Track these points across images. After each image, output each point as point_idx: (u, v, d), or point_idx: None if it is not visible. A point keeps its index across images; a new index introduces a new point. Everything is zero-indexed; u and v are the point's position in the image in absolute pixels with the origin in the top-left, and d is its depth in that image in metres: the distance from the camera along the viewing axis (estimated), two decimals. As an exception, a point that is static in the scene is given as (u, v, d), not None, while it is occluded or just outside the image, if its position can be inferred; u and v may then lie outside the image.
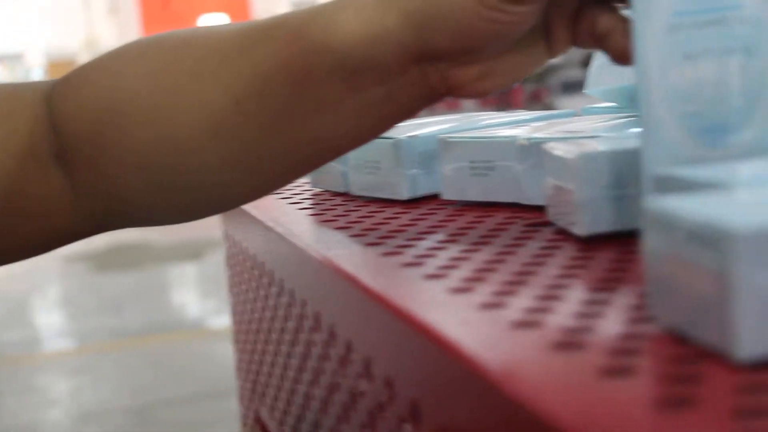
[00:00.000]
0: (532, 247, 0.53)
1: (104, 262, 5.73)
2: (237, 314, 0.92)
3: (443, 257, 0.53)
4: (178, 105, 0.54)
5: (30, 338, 4.14)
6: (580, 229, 0.53)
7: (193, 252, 5.69)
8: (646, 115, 0.48)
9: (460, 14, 0.51)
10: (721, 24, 0.46)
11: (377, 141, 0.72)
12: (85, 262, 5.77)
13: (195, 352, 3.68)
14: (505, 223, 0.61)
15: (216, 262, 5.23)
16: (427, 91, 0.55)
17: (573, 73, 7.77)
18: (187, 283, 5.15)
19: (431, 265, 0.51)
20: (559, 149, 0.55)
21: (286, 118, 0.54)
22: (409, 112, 0.56)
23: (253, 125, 0.54)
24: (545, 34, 0.55)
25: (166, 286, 5.09)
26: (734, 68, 0.47)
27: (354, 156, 0.75)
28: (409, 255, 0.54)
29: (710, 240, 0.33)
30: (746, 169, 0.42)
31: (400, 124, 0.77)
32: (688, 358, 0.34)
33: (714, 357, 0.34)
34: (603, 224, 0.52)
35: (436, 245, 0.56)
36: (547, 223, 0.59)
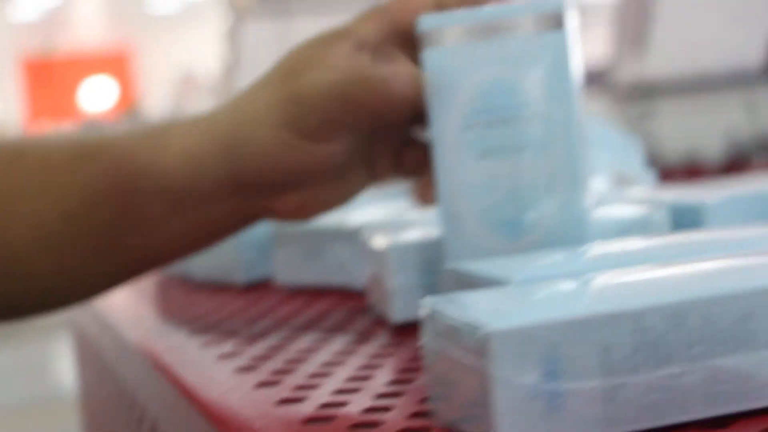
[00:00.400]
0: (349, 334, 0.55)
1: (-21, 337, 5.56)
2: (82, 395, 0.91)
3: (261, 347, 0.53)
4: (11, 214, 0.55)
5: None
6: (392, 317, 0.54)
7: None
8: (446, 209, 0.50)
9: (263, 151, 0.53)
10: (511, 123, 0.49)
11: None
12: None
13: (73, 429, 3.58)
14: (329, 309, 0.62)
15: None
16: (248, 217, 0.56)
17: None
18: (66, 356, 5.03)
19: (246, 356, 0.52)
20: (374, 239, 0.57)
21: (114, 236, 0.55)
22: (234, 232, 0.57)
23: (82, 240, 0.55)
24: (367, 162, 0.55)
25: (46, 359, 4.96)
26: (525, 164, 0.49)
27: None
28: (228, 345, 0.55)
29: (470, 339, 0.34)
30: (528, 264, 0.44)
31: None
32: (459, 452, 0.35)
33: (482, 451, 0.35)
34: (414, 313, 0.54)
35: (257, 333, 0.57)
36: (368, 309, 0.60)
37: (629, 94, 3.63)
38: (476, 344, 0.34)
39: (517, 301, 0.37)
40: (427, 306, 0.38)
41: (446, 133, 0.49)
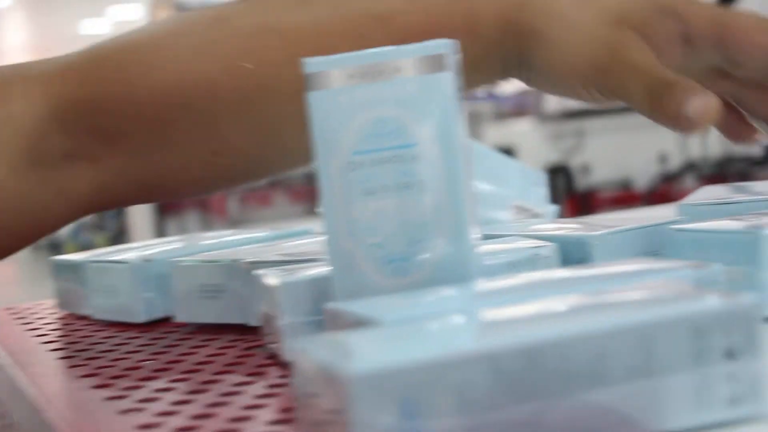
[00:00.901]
0: (240, 373, 0.55)
1: None
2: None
3: (149, 389, 0.53)
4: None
5: None
6: (284, 354, 0.55)
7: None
8: (334, 247, 0.51)
9: (560, 63, 0.60)
10: (397, 161, 0.50)
11: (114, 266, 0.72)
12: None
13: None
14: (226, 347, 0.62)
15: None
16: None
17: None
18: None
19: (133, 398, 0.52)
20: (266, 276, 0.57)
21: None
22: None
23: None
24: None
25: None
26: (410, 202, 0.50)
27: (92, 279, 0.75)
28: (118, 387, 0.54)
29: (330, 381, 0.35)
30: (402, 304, 0.44)
31: (133, 245, 0.78)
32: (326, 493, 0.36)
33: (349, 491, 0.35)
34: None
35: (149, 375, 0.57)
36: (265, 346, 0.60)
37: (557, 121, 3.68)
38: (337, 386, 0.34)
39: (380, 342, 0.38)
40: (296, 347, 0.38)
41: (332, 172, 0.50)
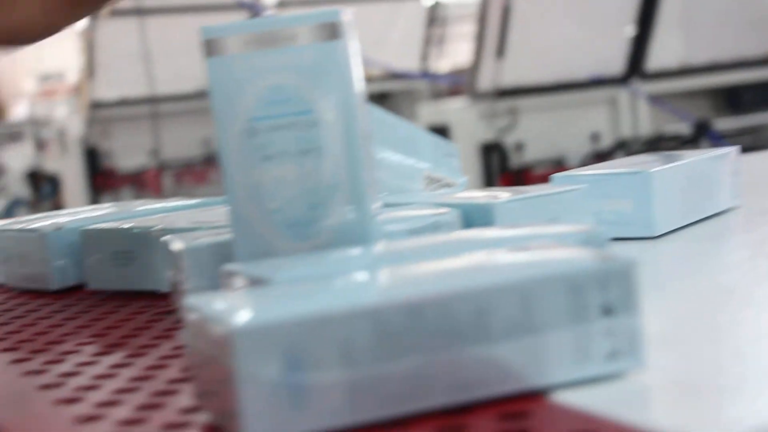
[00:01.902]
0: (146, 336, 0.56)
1: None
2: None
3: (55, 352, 0.54)
4: None
5: None
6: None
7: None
8: (235, 212, 0.51)
9: None
10: (295, 128, 0.51)
11: (24, 234, 0.72)
12: None
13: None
14: (136, 312, 0.63)
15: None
16: None
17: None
18: None
19: (37, 361, 0.52)
20: (172, 242, 0.58)
21: None
22: None
23: None
24: None
25: None
26: (309, 167, 0.51)
27: (3, 248, 0.75)
28: (25, 350, 0.55)
29: (217, 335, 0.36)
30: (294, 264, 0.46)
31: (42, 215, 0.78)
32: (214, 445, 0.37)
33: (236, 443, 0.36)
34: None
35: (56, 339, 0.57)
36: (173, 311, 0.61)
37: (491, 99, 3.71)
38: (222, 340, 0.35)
39: (269, 299, 0.39)
40: (187, 305, 0.39)
41: (231, 138, 0.51)
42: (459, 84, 4.72)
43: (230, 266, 0.47)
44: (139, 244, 0.67)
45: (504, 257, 0.42)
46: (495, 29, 3.62)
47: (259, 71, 0.50)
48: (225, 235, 0.57)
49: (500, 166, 3.91)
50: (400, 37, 5.57)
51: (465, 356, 0.37)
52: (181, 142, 5.35)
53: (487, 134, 3.85)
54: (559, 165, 3.98)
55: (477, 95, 3.73)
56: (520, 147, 3.96)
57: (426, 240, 0.51)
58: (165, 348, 0.53)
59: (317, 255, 0.48)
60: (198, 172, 5.43)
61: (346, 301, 0.36)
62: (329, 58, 0.50)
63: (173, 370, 0.48)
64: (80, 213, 0.78)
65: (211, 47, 0.51)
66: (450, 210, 0.60)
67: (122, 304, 0.66)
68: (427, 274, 0.40)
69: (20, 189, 9.27)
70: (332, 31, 0.50)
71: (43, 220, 0.75)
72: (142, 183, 5.06)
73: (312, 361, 0.36)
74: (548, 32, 3.88)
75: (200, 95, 5.24)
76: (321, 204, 0.51)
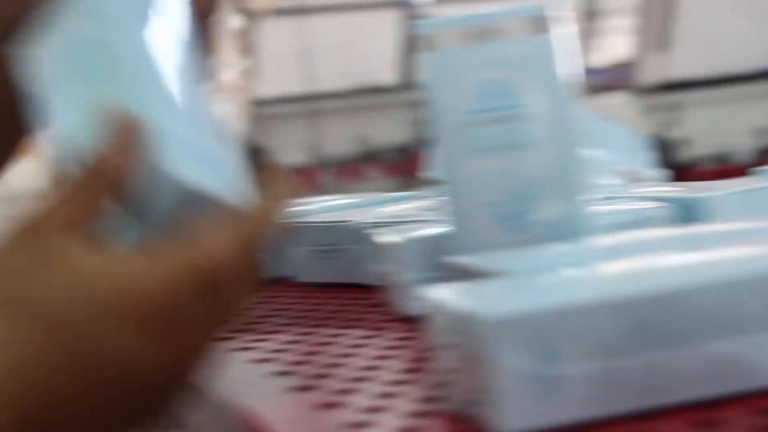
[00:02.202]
0: (363, 328, 0.57)
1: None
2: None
3: (278, 341, 0.56)
4: None
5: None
6: (403, 310, 0.56)
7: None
8: (452, 205, 0.52)
9: None
10: (512, 121, 0.51)
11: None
12: None
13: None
14: (345, 304, 0.64)
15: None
16: None
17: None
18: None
19: (264, 349, 0.54)
20: (382, 236, 0.59)
21: None
22: None
23: None
24: None
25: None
26: (525, 161, 0.51)
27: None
28: (243, 340, 0.57)
29: (469, 326, 0.36)
30: (526, 257, 0.46)
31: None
32: (462, 434, 0.37)
33: (485, 432, 0.37)
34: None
35: (275, 328, 0.59)
36: (383, 304, 0.62)
37: (654, 94, 3.63)
38: (478, 332, 0.36)
39: (515, 291, 0.39)
40: (429, 298, 0.40)
41: (447, 131, 0.51)
42: (615, 78, 4.64)
43: (455, 259, 0.48)
44: (345, 238, 0.68)
45: (744, 250, 0.41)
46: (658, 22, 3.54)
47: (474, 65, 0.51)
48: (435, 229, 0.58)
49: (663, 162, 3.83)
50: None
51: (717, 348, 0.37)
52: (338, 140, 5.43)
53: (648, 130, 3.77)
54: (724, 161, 3.87)
55: (638, 90, 3.65)
56: (683, 142, 3.86)
57: (642, 234, 0.50)
58: (386, 339, 0.54)
59: (537, 248, 0.48)
60: (355, 169, 5.50)
61: (598, 293, 0.36)
62: (538, 52, 0.50)
63: (397, 362, 0.49)
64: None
65: (426, 42, 0.51)
66: (661, 204, 0.59)
67: (331, 296, 0.67)
68: (673, 266, 0.40)
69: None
70: (540, 25, 0.50)
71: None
72: (301, 180, 5.16)
73: (564, 351, 0.36)
74: (713, 23, 3.77)
75: (357, 93, 5.30)
76: (533, 198, 0.51)
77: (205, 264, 0.39)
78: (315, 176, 5.27)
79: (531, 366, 0.35)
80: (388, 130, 5.71)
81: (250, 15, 4.42)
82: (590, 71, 5.61)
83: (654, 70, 3.56)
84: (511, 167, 0.51)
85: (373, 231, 0.66)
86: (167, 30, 0.45)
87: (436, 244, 0.56)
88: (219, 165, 0.43)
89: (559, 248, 0.48)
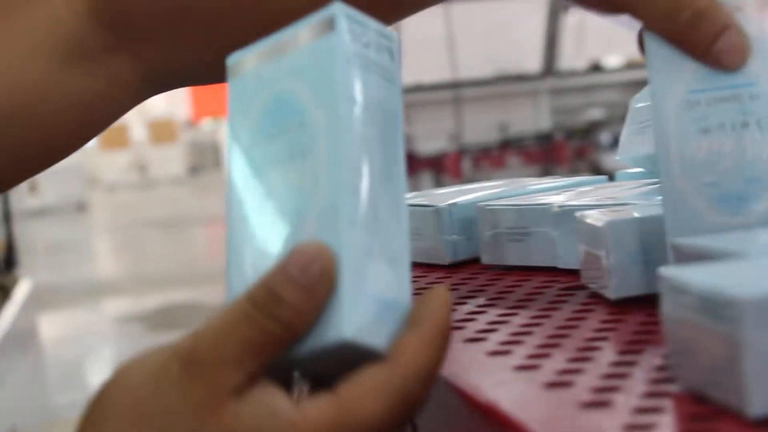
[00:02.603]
0: (566, 310, 0.57)
1: (156, 322, 5.80)
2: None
3: (482, 321, 0.56)
4: None
5: (83, 401, 4.19)
6: (610, 293, 0.56)
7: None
8: (667, 185, 0.51)
9: None
10: (735, 100, 0.50)
11: (419, 209, 0.76)
12: (137, 323, 5.85)
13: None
14: (541, 287, 0.64)
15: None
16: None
17: (620, 129, 7.71)
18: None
19: (471, 329, 0.54)
20: (589, 217, 0.58)
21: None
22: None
23: None
24: None
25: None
26: (748, 141, 0.50)
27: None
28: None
29: (719, 306, 0.36)
30: (760, 238, 0.45)
31: (442, 191, 0.81)
32: (705, 415, 0.37)
33: (729, 415, 0.36)
34: (632, 288, 0.55)
35: (476, 309, 0.59)
36: (581, 287, 0.62)
37: None
38: (727, 311, 0.35)
39: (761, 271, 0.38)
40: (668, 277, 0.40)
41: (668, 110, 0.51)
42: None
43: (682, 240, 0.47)
44: (536, 221, 0.68)
45: None
46: None
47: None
48: (640, 211, 0.57)
49: None
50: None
51: None
52: (478, 127, 5.42)
53: None
54: None
55: None
56: None
57: None
58: (594, 321, 0.53)
59: (762, 230, 0.47)
60: (495, 157, 5.48)
61: None
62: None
63: (613, 343, 0.48)
64: (475, 191, 0.81)
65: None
66: None
67: (521, 279, 0.67)
68: None
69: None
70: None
71: (438, 198, 0.78)
72: (442, 167, 5.18)
73: (819, 334, 0.35)
74: None
75: (499, 80, 5.28)
76: (759, 180, 0.50)
77: (352, 423, 0.38)
78: (457, 164, 5.27)
79: (785, 348, 0.35)
80: (529, 117, 5.67)
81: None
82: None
83: None
84: (734, 147, 0.50)
85: (570, 214, 0.65)
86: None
87: (645, 226, 0.56)
88: (390, 304, 0.41)
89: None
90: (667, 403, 0.39)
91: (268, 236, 0.43)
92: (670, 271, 0.40)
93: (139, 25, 0.58)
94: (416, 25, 4.92)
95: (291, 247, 0.40)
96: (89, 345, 5.38)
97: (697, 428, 0.36)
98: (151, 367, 0.39)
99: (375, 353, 0.40)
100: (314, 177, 0.42)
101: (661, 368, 0.43)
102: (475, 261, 0.76)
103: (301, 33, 0.45)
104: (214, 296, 6.24)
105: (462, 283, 0.68)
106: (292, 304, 0.39)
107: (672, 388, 0.41)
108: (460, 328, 0.55)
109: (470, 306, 0.61)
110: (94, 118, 0.61)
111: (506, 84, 5.39)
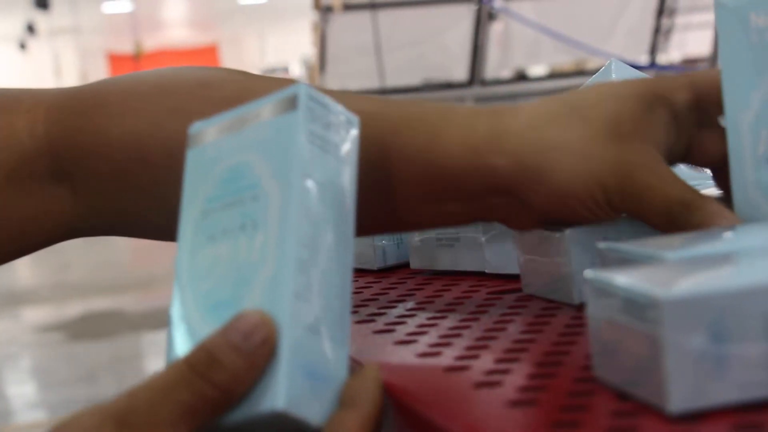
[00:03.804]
0: (494, 313, 0.58)
1: (77, 331, 5.72)
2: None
3: (412, 324, 0.57)
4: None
5: (1, 410, 4.12)
6: (573, 299, 0.56)
7: (167, 320, 5.68)
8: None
9: (565, 191, 0.52)
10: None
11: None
12: (57, 331, 5.75)
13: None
14: (469, 290, 0.65)
15: (190, 329, 5.21)
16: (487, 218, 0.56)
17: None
18: (162, 352, 5.14)
19: (401, 332, 0.55)
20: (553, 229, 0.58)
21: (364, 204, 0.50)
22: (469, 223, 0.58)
23: None
24: None
25: (141, 354, 5.08)
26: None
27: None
28: (380, 323, 0.58)
29: (642, 307, 0.37)
30: (678, 243, 0.47)
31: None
32: (628, 412, 0.39)
33: (650, 411, 0.38)
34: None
35: (406, 312, 0.60)
36: (508, 291, 0.63)
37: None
38: (649, 312, 0.37)
39: (680, 274, 0.40)
40: (593, 278, 0.41)
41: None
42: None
43: (606, 245, 0.49)
44: (465, 227, 0.70)
45: None
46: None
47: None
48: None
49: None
50: (629, 28, 5.48)
51: None
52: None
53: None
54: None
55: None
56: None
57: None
58: (521, 324, 0.55)
59: (693, 236, 0.49)
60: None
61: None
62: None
63: (541, 344, 0.50)
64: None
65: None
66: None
67: (450, 283, 0.69)
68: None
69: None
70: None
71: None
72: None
73: (735, 332, 0.37)
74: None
75: (426, 88, 5.31)
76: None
77: None
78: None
79: (702, 345, 0.36)
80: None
81: (324, 10, 4.45)
82: (663, 68, 5.57)
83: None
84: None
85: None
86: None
87: (598, 234, 0.56)
88: (326, 378, 0.42)
89: (707, 236, 0.48)
90: (591, 401, 0.40)
91: (211, 302, 0.44)
92: (594, 274, 0.41)
93: (88, 163, 0.58)
94: (343, 33, 4.94)
95: (234, 315, 0.41)
96: (8, 354, 5.28)
97: (619, 424, 0.37)
98: (83, 429, 0.39)
99: (307, 425, 0.41)
100: (263, 248, 0.43)
101: (584, 368, 0.45)
102: (403, 266, 0.77)
103: (264, 108, 0.46)
104: (136, 305, 6.18)
105: (391, 288, 0.69)
106: (231, 370, 0.39)
107: (594, 387, 0.42)
108: (389, 331, 0.56)
109: (400, 310, 0.62)
110: (22, 238, 0.61)
111: (433, 91, 5.44)
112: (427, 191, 0.55)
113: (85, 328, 5.81)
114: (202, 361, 0.40)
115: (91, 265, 7.81)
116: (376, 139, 0.54)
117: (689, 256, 0.44)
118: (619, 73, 0.76)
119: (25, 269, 8.12)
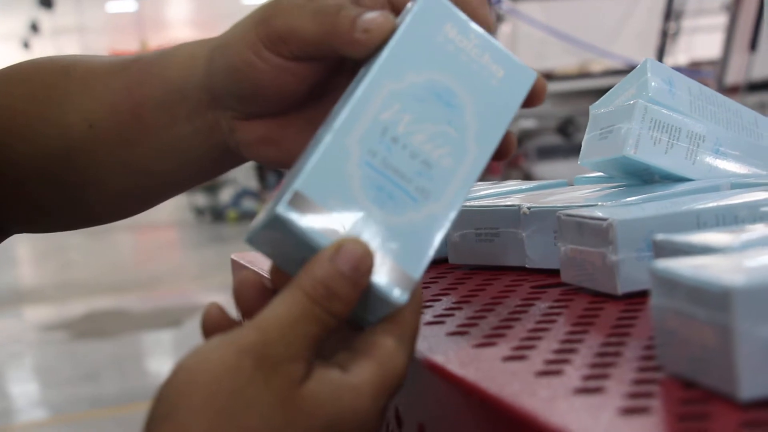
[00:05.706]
0: (541, 306, 0.59)
1: (80, 330, 5.72)
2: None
3: (461, 316, 0.58)
4: (45, 126, 0.62)
5: (4, 409, 4.12)
6: (617, 289, 0.57)
7: (170, 319, 5.70)
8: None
9: (235, 59, 0.56)
10: None
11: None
12: (61, 330, 5.75)
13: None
14: (512, 284, 0.66)
15: (194, 328, 5.22)
16: (220, 141, 0.60)
17: (549, 139, 7.85)
18: (165, 351, 5.15)
19: (451, 324, 0.56)
20: (586, 217, 0.59)
21: (122, 144, 0.61)
22: (214, 162, 0.62)
23: (102, 148, 0.62)
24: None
25: (144, 353, 5.08)
26: None
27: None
28: (429, 315, 0.59)
29: (711, 295, 0.38)
30: (736, 235, 0.47)
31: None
32: (697, 399, 0.39)
33: (719, 398, 0.39)
34: (638, 284, 0.57)
35: (453, 305, 0.61)
36: (553, 284, 0.64)
37: (739, 94, 3.60)
38: (718, 301, 0.38)
39: (745, 263, 0.41)
40: (658, 269, 0.42)
41: None
42: (696, 77, 4.61)
43: (664, 237, 0.49)
44: (504, 222, 0.70)
45: None
46: (749, 22, 3.51)
47: None
48: (637, 210, 0.59)
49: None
50: (636, 31, 5.48)
51: None
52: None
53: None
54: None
55: (725, 89, 3.63)
56: None
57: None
58: (572, 314, 0.55)
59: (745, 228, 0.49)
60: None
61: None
62: None
63: (595, 335, 0.51)
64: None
65: None
66: None
67: (491, 278, 0.69)
68: None
69: (248, 180, 9.65)
70: None
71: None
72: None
73: (805, 321, 0.37)
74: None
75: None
76: None
77: (393, 383, 0.45)
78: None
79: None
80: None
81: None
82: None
83: (741, 70, 3.53)
84: None
85: (539, 213, 0.67)
86: None
87: (645, 224, 0.57)
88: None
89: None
90: (657, 389, 0.41)
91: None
92: (660, 265, 0.42)
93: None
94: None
95: (336, 242, 0.45)
96: (11, 352, 5.28)
97: (691, 411, 0.38)
98: (222, 363, 0.42)
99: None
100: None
101: (645, 357, 0.45)
102: (442, 261, 0.77)
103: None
104: (139, 304, 6.18)
105: (432, 282, 0.70)
106: (346, 300, 0.44)
107: (659, 375, 0.43)
108: (440, 323, 0.57)
109: (445, 303, 0.62)
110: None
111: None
112: (165, 111, 0.60)
113: (88, 327, 5.81)
114: (323, 295, 0.44)
115: (95, 264, 7.81)
116: (135, 76, 0.61)
117: (747, 245, 0.44)
118: (655, 72, 0.77)
119: (28, 268, 8.13)
